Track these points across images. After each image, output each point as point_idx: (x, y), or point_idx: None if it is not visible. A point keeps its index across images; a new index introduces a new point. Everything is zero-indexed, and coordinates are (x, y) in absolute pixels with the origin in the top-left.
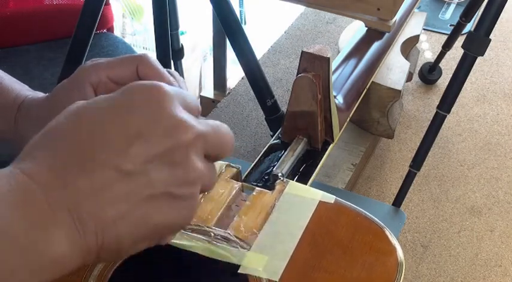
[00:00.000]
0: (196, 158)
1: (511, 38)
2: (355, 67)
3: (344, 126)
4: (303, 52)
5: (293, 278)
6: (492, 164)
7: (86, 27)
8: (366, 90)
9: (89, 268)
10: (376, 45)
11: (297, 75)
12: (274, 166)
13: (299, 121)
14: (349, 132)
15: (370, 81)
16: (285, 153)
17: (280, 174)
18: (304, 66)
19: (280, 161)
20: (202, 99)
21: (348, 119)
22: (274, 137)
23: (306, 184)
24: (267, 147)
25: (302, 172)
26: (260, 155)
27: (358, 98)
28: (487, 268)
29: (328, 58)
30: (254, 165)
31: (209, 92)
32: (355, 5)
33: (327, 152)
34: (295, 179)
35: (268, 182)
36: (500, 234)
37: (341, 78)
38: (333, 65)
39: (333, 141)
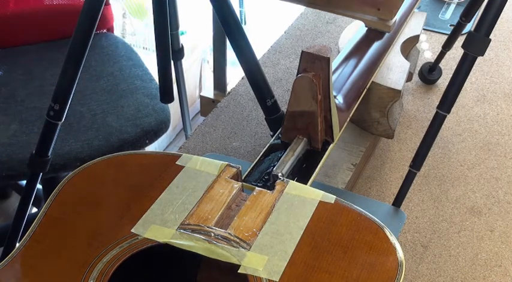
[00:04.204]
0: None
1: (511, 38)
2: (355, 67)
3: (344, 126)
4: (303, 52)
5: (293, 278)
6: (492, 164)
7: (86, 27)
8: (366, 90)
9: (89, 268)
10: (376, 45)
11: (297, 75)
12: (274, 166)
13: (299, 121)
14: (349, 132)
15: (370, 81)
16: (285, 153)
17: (280, 174)
18: (304, 66)
19: (280, 161)
20: (202, 99)
21: (348, 119)
22: (274, 137)
23: (306, 184)
24: (267, 147)
25: (302, 172)
26: (260, 155)
27: (358, 98)
28: (487, 268)
29: (328, 58)
30: (254, 165)
31: (209, 92)
32: (355, 5)
33: (327, 152)
34: (295, 179)
35: (268, 182)
36: (500, 234)
37: (341, 78)
38: (333, 65)
39: (333, 141)
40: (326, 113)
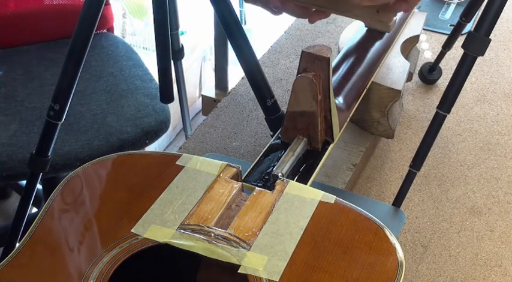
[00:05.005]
0: None
1: (511, 38)
2: (355, 67)
3: (344, 126)
4: (303, 52)
5: (293, 278)
6: (492, 164)
7: (86, 27)
8: (366, 90)
9: (89, 268)
10: (376, 45)
11: (297, 76)
12: (274, 166)
13: (299, 121)
14: (349, 132)
15: (371, 81)
16: (285, 153)
17: (280, 174)
18: (304, 66)
19: (280, 161)
20: (204, 98)
21: (348, 119)
22: (274, 137)
23: (306, 184)
24: (267, 147)
25: (302, 172)
26: (260, 155)
27: (358, 98)
28: (487, 268)
29: (328, 58)
30: (254, 165)
31: (210, 91)
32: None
33: (327, 152)
34: (295, 179)
35: (268, 182)
36: (500, 234)
37: (341, 78)
38: (333, 64)
39: (333, 141)
40: (326, 113)
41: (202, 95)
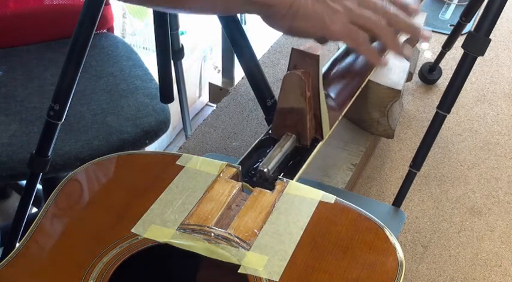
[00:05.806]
0: None
1: (511, 38)
2: (351, 66)
3: (335, 125)
4: (293, 49)
5: (293, 278)
6: (492, 164)
7: (86, 27)
8: (360, 90)
9: (89, 268)
10: (374, 45)
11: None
12: (261, 161)
13: (288, 118)
14: (349, 132)
15: (365, 81)
16: (273, 149)
17: (266, 170)
18: (294, 63)
19: (267, 156)
20: (211, 86)
21: (340, 118)
22: (264, 133)
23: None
24: (256, 142)
25: (289, 168)
26: (249, 151)
27: (352, 97)
28: (487, 268)
29: (318, 56)
30: (242, 160)
31: (217, 79)
32: None
33: (316, 150)
34: (281, 175)
35: (254, 177)
36: (500, 234)
37: (335, 76)
38: (329, 63)
39: (323, 139)
40: (316, 110)
41: (209, 82)
